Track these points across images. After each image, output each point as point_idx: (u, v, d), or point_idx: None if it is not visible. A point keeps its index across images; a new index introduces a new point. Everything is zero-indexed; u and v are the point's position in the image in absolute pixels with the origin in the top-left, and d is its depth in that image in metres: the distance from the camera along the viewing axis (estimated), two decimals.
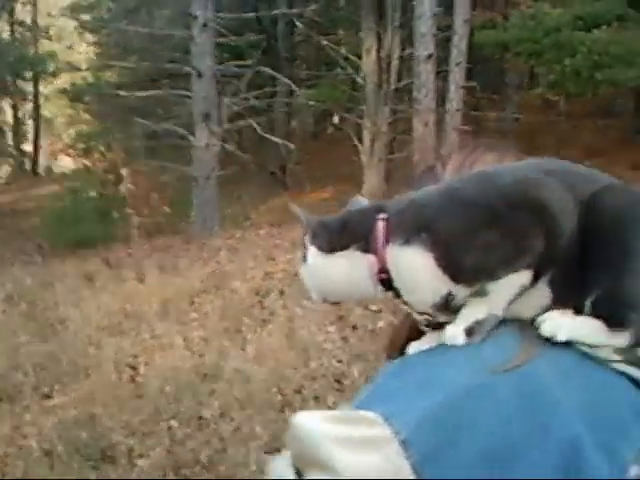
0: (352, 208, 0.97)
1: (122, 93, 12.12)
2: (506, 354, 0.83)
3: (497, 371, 0.80)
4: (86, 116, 20.87)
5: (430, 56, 12.08)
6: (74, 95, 16.73)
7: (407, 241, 0.86)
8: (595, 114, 17.24)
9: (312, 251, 0.93)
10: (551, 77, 11.88)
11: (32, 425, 5.31)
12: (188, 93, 12.05)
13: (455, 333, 0.85)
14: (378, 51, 14.34)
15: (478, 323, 0.85)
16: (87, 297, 7.92)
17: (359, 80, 14.12)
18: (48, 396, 5.82)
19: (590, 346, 0.86)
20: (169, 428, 5.11)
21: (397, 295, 0.91)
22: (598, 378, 0.85)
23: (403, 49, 14.18)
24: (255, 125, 11.90)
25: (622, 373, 0.86)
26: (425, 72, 12.13)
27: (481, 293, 0.86)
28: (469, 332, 0.85)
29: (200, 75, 11.78)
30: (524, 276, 0.84)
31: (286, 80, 12.57)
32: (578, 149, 14.65)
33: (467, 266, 0.84)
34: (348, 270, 0.91)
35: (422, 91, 12.12)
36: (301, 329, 6.58)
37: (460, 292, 0.86)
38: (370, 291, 0.92)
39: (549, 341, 0.85)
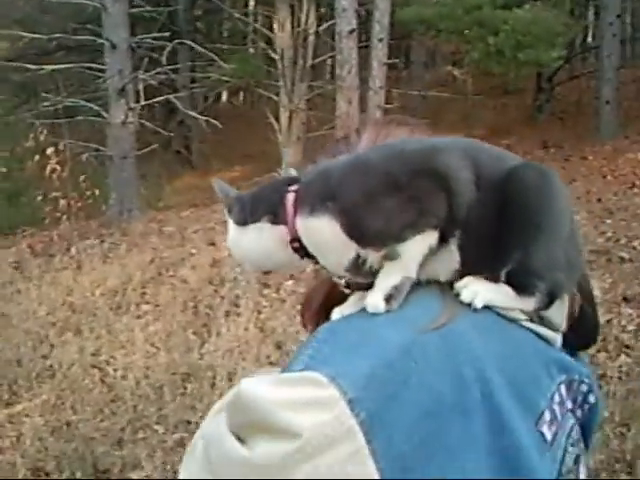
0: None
1: (30, 66, 11.20)
2: (431, 314, 0.88)
3: (425, 330, 0.85)
4: None
5: (352, 31, 11.82)
6: None
7: (313, 210, 0.91)
8: (494, 92, 17.60)
9: (230, 225, 0.97)
10: (474, 55, 11.94)
11: (2, 438, 4.78)
12: (102, 66, 11.33)
13: (375, 302, 0.88)
14: (292, 25, 14.10)
15: (396, 288, 0.89)
16: (23, 290, 7.26)
17: (273, 55, 13.72)
18: (9, 403, 5.27)
19: (503, 308, 0.93)
20: (156, 434, 4.73)
21: (316, 261, 0.96)
22: (511, 334, 0.93)
23: (319, 24, 13.93)
24: (175, 101, 11.30)
25: (528, 329, 0.95)
26: (347, 48, 11.86)
27: (392, 256, 0.90)
28: (388, 299, 0.88)
29: (114, 47, 11.08)
30: (430, 236, 0.89)
31: (210, 54, 11.98)
32: (484, 128, 14.91)
33: (371, 230, 0.89)
34: (260, 241, 0.95)
35: (345, 68, 11.86)
36: (270, 320, 6.26)
37: (370, 255, 0.91)
38: (286, 259, 0.97)
39: (469, 305, 0.91)
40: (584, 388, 1.02)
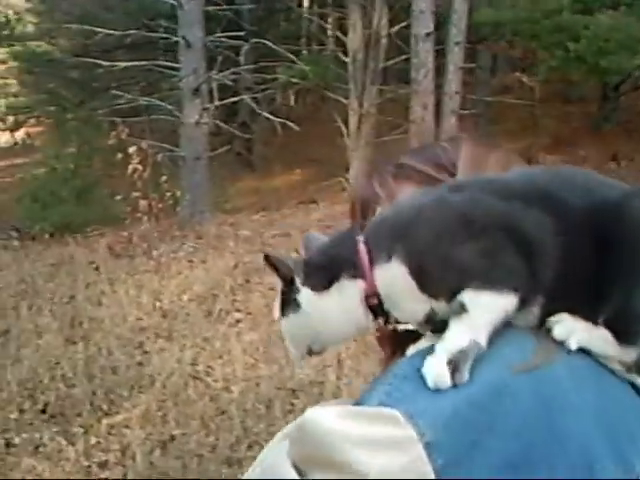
0: (310, 244, 0.93)
1: (104, 63, 11.05)
2: (524, 354, 0.80)
3: (518, 371, 0.78)
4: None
5: (429, 34, 11.57)
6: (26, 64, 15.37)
7: (389, 257, 0.84)
8: (556, 99, 17.12)
9: (305, 294, 0.87)
10: (552, 62, 11.57)
11: (105, 452, 4.56)
12: (175, 64, 11.14)
13: (439, 372, 0.77)
14: (364, 27, 13.82)
15: (462, 353, 0.78)
16: (107, 292, 7.06)
17: (343, 57, 13.44)
18: (107, 413, 5.04)
19: (599, 355, 0.84)
20: None
21: (386, 321, 0.88)
22: (609, 385, 0.84)
23: (391, 25, 13.64)
24: (250, 102, 11.05)
25: (625, 381, 0.86)
26: (423, 51, 11.61)
27: (459, 310, 0.81)
28: (453, 367, 0.77)
29: (189, 45, 10.89)
30: (508, 300, 0.81)
31: (290, 55, 11.73)
32: (548, 136, 14.50)
33: (437, 275, 0.82)
34: (342, 302, 0.87)
35: (421, 71, 11.62)
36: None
37: (441, 309, 0.84)
38: (363, 321, 0.88)
39: (562, 344, 0.83)
40: None
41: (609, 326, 0.83)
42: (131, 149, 8.58)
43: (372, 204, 1.03)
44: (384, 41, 13.77)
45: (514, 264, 0.81)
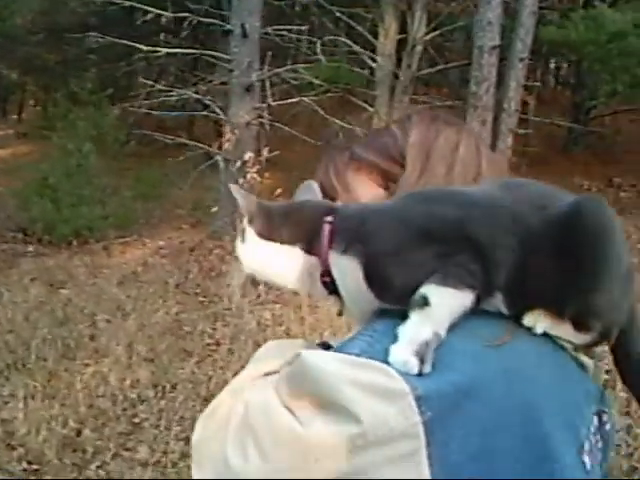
0: (301, 196, 0.99)
1: (144, 48, 9.65)
2: (493, 329, 0.87)
3: (491, 345, 0.84)
4: None
5: (495, 47, 10.68)
6: None
7: (345, 249, 0.88)
8: None
9: (250, 234, 0.93)
10: (617, 86, 10.95)
11: None
12: (227, 56, 9.88)
13: (406, 358, 0.80)
14: (398, 32, 12.91)
15: (427, 345, 0.81)
16: (208, 316, 5.88)
17: (369, 62, 12.45)
18: None
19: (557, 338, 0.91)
20: None
21: (340, 299, 0.93)
22: (562, 361, 0.92)
23: (427, 32, 12.76)
24: (310, 102, 9.83)
25: (571, 357, 0.94)
26: (488, 65, 10.66)
27: (421, 303, 0.83)
28: (421, 360, 0.80)
29: (245, 35, 9.66)
30: (466, 296, 0.84)
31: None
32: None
33: (390, 283, 0.86)
34: (287, 264, 0.92)
35: (482, 86, 10.64)
36: None
37: (387, 307, 0.88)
38: (311, 289, 0.94)
39: (529, 329, 0.89)
40: (605, 418, 0.98)
41: (572, 321, 0.89)
42: (246, 155, 7.33)
43: (329, 191, 1.04)
44: (419, 48, 13.01)
45: (469, 265, 0.85)
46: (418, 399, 0.76)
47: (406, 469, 0.75)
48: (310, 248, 0.91)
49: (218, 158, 9.25)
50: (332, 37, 11.06)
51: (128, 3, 10.23)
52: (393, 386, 0.76)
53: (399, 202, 0.92)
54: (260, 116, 9.70)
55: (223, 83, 10.09)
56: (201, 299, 6.83)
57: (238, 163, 8.74)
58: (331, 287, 0.91)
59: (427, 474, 0.75)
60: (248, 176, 7.92)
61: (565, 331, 0.91)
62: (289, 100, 9.80)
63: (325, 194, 1.04)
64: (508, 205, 0.89)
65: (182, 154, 9.73)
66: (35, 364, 5.25)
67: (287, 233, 0.92)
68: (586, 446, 0.91)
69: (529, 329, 0.89)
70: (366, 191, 1.02)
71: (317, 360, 0.79)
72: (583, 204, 0.88)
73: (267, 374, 0.88)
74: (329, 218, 0.90)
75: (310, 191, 1.00)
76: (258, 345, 5.03)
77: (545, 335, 0.90)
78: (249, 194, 0.95)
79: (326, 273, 0.90)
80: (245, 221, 0.93)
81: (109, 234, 9.41)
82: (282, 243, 0.92)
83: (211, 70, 12.18)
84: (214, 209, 9.53)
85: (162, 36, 14.39)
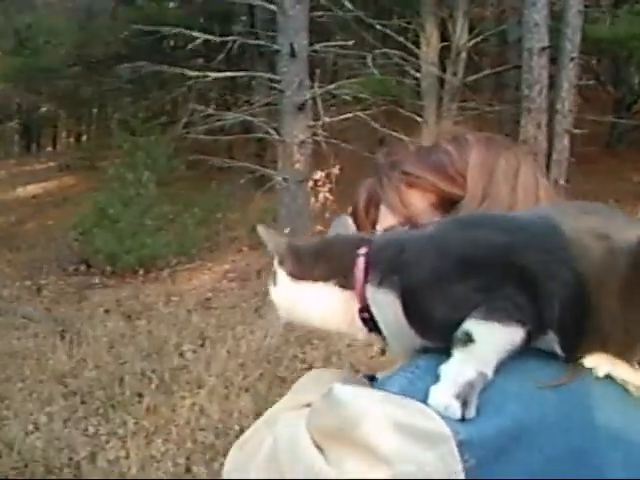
0: (335, 231, 0.95)
1: (191, 73, 9.64)
2: (550, 369, 0.80)
3: (544, 385, 0.78)
4: None
5: (544, 49, 10.59)
6: None
7: (382, 282, 0.83)
8: None
9: (282, 275, 0.89)
10: None
11: None
12: (275, 76, 9.86)
13: (448, 403, 0.74)
14: (440, 40, 12.84)
15: (470, 386, 0.75)
16: (294, 340, 5.81)
17: (414, 72, 12.36)
18: None
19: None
20: None
21: (382, 336, 0.86)
22: (629, 406, 0.83)
23: (470, 39, 12.66)
24: (366, 117, 9.77)
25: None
26: (538, 67, 10.58)
27: (464, 339, 0.77)
28: (462, 400, 0.74)
29: (293, 55, 9.63)
30: (514, 332, 0.77)
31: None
32: None
33: (430, 316, 0.80)
34: (323, 303, 0.87)
35: (535, 88, 10.57)
36: None
37: (435, 345, 0.81)
38: (343, 326, 0.89)
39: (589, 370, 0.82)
40: None
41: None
42: (318, 175, 7.26)
43: (375, 206, 1.01)
44: (463, 55, 12.92)
45: (516, 297, 0.77)
46: (460, 445, 0.71)
47: None
48: (345, 283, 0.85)
49: (279, 179, 9.18)
50: (377, 51, 10.86)
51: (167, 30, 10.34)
52: (433, 429, 0.71)
53: (439, 228, 0.87)
54: (315, 134, 9.67)
55: (268, 103, 10.05)
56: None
57: (310, 183, 8.67)
58: (371, 324, 0.86)
59: None
60: (320, 195, 7.77)
61: (628, 372, 0.84)
62: (342, 116, 9.68)
63: (367, 215, 1.03)
64: (565, 231, 0.81)
65: (227, 176, 9.70)
66: (130, 400, 5.21)
67: (319, 270, 0.87)
68: None
69: (590, 371, 0.81)
70: (425, 210, 0.96)
71: (351, 396, 0.74)
72: None
73: (305, 406, 0.85)
74: (363, 250, 0.86)
75: (343, 225, 0.96)
76: (353, 366, 4.95)
77: (609, 377, 0.82)
78: (276, 234, 0.91)
79: (364, 309, 0.85)
80: (275, 263, 0.90)
81: (171, 261, 9.43)
82: (315, 281, 0.87)
83: (249, 92, 12.21)
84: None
85: (192, 61, 14.48)
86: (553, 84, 10.83)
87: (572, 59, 10.97)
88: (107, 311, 7.71)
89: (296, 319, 0.91)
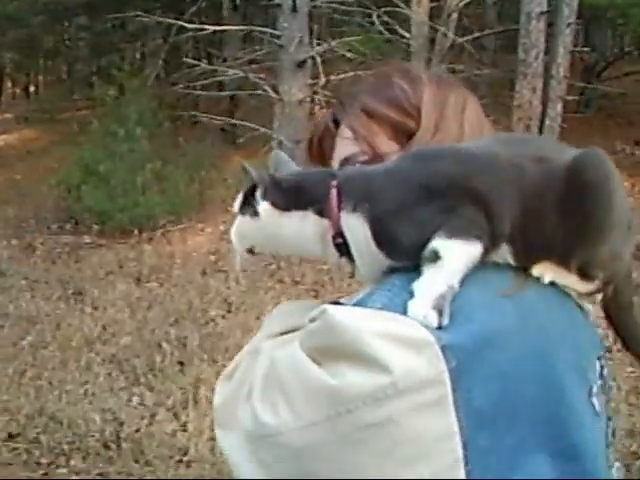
0: (279, 164, 0.99)
1: (189, 26, 9.20)
2: (504, 280, 0.90)
3: (504, 295, 0.88)
4: None
5: (543, 13, 10.44)
6: None
7: (355, 208, 0.90)
8: None
9: (265, 206, 0.94)
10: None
11: None
12: (276, 32, 9.49)
13: (425, 313, 0.83)
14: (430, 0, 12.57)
15: (443, 298, 0.84)
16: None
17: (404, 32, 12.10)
18: None
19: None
20: None
21: (351, 260, 0.94)
22: (568, 308, 0.97)
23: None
24: (363, 75, 9.48)
25: (575, 302, 0.99)
26: (536, 31, 10.43)
27: (432, 258, 0.85)
28: (439, 312, 0.83)
29: (295, 10, 9.28)
30: (474, 247, 0.86)
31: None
32: None
33: (399, 241, 0.88)
34: (302, 229, 0.94)
35: (532, 53, 10.41)
36: None
37: (402, 264, 0.89)
38: (317, 251, 0.96)
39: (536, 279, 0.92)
40: (603, 361, 1.02)
41: (578, 271, 0.93)
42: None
43: (331, 137, 1.08)
44: (454, 16, 12.69)
45: (473, 216, 0.87)
46: (443, 349, 0.79)
47: (434, 415, 0.78)
48: (321, 212, 0.92)
49: (282, 138, 8.88)
50: (382, 9, 10.55)
51: None
52: (419, 337, 0.79)
53: (399, 162, 0.95)
54: (315, 92, 9.37)
55: (263, 59, 9.72)
56: (302, 287, 6.54)
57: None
58: (343, 249, 0.93)
59: (453, 419, 0.78)
60: None
61: (571, 280, 0.95)
62: (342, 75, 9.38)
63: (320, 144, 1.10)
64: (508, 158, 0.91)
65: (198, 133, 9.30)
66: (172, 369, 4.94)
67: (300, 200, 0.93)
68: (594, 389, 0.95)
69: (537, 279, 0.92)
70: (384, 142, 1.03)
71: (344, 315, 0.80)
72: (583, 157, 0.91)
73: (282, 334, 0.91)
74: (334, 181, 0.92)
75: (280, 160, 1.01)
76: None
77: (552, 284, 0.93)
78: (258, 168, 0.96)
79: (338, 235, 0.92)
80: (258, 195, 0.94)
81: (160, 222, 9.05)
82: (296, 210, 0.93)
83: (243, 46, 11.77)
84: None
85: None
86: (547, 50, 10.78)
87: (569, 24, 10.87)
88: (109, 273, 7.36)
89: (272, 247, 1.00)
